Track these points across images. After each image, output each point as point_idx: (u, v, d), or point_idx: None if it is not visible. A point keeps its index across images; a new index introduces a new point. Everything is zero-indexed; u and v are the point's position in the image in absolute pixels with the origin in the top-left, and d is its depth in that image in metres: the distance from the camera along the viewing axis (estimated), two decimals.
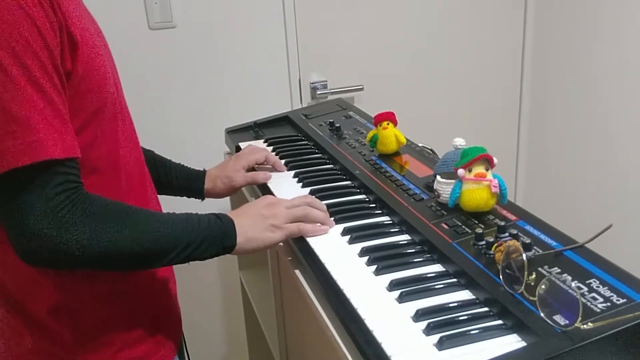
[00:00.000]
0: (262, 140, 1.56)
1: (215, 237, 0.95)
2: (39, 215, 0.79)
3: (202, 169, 1.32)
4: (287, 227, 1.03)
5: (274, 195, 1.20)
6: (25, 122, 0.77)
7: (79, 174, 0.84)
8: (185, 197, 1.33)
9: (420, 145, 1.35)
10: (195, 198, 1.32)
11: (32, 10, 0.78)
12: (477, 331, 0.77)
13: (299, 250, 1.05)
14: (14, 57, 0.77)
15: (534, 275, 0.81)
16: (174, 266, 1.11)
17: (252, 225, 1.00)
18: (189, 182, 1.30)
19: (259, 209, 1.03)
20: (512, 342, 0.76)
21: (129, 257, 0.88)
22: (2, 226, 0.89)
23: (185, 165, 1.33)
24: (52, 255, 0.82)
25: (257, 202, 1.06)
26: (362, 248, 1.00)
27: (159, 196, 1.15)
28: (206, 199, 1.34)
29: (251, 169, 1.35)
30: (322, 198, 1.18)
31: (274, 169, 1.35)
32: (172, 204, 1.19)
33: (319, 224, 1.06)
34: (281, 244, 1.07)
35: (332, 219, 1.10)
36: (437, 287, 0.88)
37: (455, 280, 0.90)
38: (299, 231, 1.04)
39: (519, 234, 0.92)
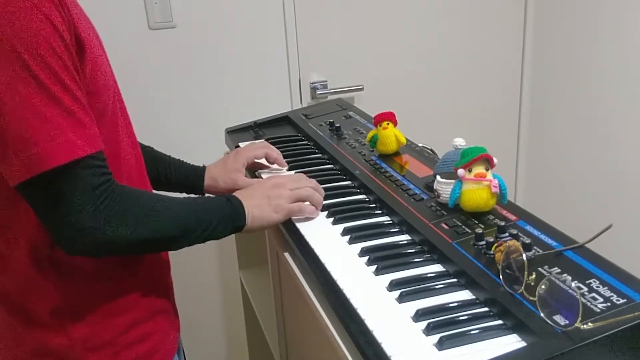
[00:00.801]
0: (262, 141, 1.56)
1: (228, 219, 1.02)
2: (83, 209, 0.83)
3: (202, 165, 1.32)
4: (290, 207, 1.09)
5: None
6: (57, 123, 0.80)
7: (107, 165, 0.87)
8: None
9: (420, 145, 1.35)
10: (195, 194, 1.32)
11: (49, 12, 0.79)
12: (477, 331, 0.77)
13: (299, 250, 1.05)
14: (39, 59, 0.78)
15: (534, 275, 0.81)
16: (171, 268, 1.11)
17: (259, 206, 1.06)
18: (188, 180, 1.30)
19: (265, 190, 1.09)
20: (512, 342, 0.76)
21: (161, 240, 0.93)
22: (12, 225, 0.90)
23: (185, 161, 1.33)
24: (98, 246, 0.86)
25: (264, 182, 1.13)
26: (362, 248, 1.00)
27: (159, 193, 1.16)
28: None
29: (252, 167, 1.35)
30: None
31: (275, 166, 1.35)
32: None
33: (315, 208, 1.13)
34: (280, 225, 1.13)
35: (332, 218, 1.11)
36: (437, 287, 0.88)
37: (455, 280, 0.90)
38: (299, 210, 1.10)
39: (519, 234, 0.92)
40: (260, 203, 1.06)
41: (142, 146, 1.23)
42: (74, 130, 0.81)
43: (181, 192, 1.31)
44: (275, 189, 1.09)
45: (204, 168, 1.32)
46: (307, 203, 1.11)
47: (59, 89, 0.80)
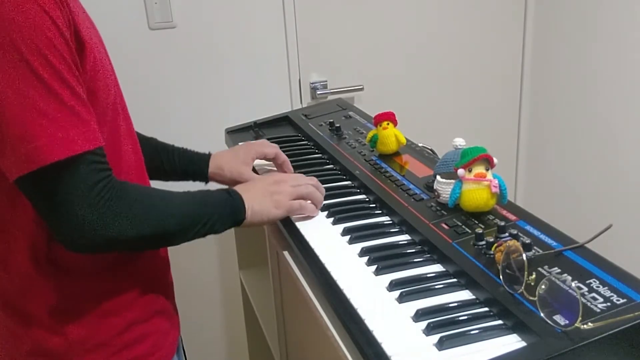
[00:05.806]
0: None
1: (228, 213, 1.01)
2: (84, 204, 0.83)
3: (207, 152, 1.32)
4: (291, 204, 1.09)
5: None
6: (56, 118, 0.79)
7: (107, 161, 0.87)
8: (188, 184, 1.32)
9: (420, 145, 1.35)
10: (199, 181, 1.32)
11: (50, 8, 0.79)
12: (477, 331, 0.77)
13: (299, 250, 1.05)
14: (39, 55, 0.78)
15: (534, 275, 0.81)
16: (171, 267, 1.11)
17: (259, 200, 1.06)
18: (192, 166, 1.29)
19: (266, 185, 1.09)
20: (512, 342, 0.76)
21: (162, 235, 0.93)
22: (10, 224, 0.89)
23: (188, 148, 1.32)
24: (98, 242, 0.85)
25: (265, 177, 1.13)
26: (362, 248, 1.00)
27: (164, 183, 1.17)
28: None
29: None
30: None
31: (281, 169, 1.35)
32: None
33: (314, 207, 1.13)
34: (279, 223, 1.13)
35: (332, 218, 1.11)
36: (437, 287, 0.88)
37: (455, 280, 0.90)
38: (300, 208, 1.10)
39: (519, 234, 0.92)
40: (261, 198, 1.06)
41: (145, 137, 1.23)
42: (73, 125, 0.81)
43: (186, 179, 1.31)
44: (276, 185, 1.09)
45: (209, 155, 1.31)
46: (309, 202, 1.11)
47: (58, 84, 0.80)
